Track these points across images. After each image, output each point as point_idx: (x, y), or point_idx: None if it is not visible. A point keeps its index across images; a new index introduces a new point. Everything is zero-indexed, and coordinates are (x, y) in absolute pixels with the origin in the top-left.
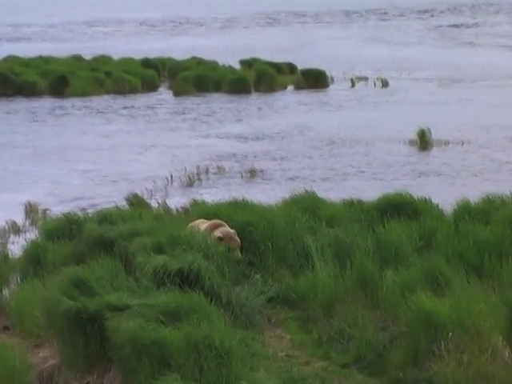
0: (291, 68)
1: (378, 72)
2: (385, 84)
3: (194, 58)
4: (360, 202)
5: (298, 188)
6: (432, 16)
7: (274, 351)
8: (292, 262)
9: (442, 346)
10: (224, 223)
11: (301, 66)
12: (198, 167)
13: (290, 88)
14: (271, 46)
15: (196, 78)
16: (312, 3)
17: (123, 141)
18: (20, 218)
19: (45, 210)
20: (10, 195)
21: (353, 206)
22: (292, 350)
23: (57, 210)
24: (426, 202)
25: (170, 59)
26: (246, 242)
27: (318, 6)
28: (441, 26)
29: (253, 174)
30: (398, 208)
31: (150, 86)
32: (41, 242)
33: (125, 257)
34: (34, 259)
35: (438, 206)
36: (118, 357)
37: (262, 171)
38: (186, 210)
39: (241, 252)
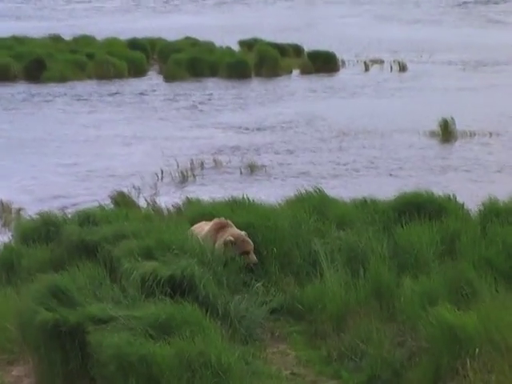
0: (297, 50)
1: (395, 54)
2: (402, 68)
3: (187, 39)
4: (374, 201)
5: (305, 185)
6: None
7: (278, 369)
8: (298, 268)
9: (468, 364)
10: (230, 222)
11: (308, 47)
12: (191, 161)
13: (296, 72)
14: (274, 25)
15: (190, 62)
16: None
17: (108, 132)
18: None
19: (19, 210)
20: None
21: (366, 205)
22: (298, 368)
23: (33, 209)
24: (449, 201)
25: (160, 40)
26: None
27: None
28: (465, 2)
29: (254, 169)
30: (418, 208)
31: (138, 71)
32: (15, 245)
33: (109, 263)
34: (7, 265)
35: (462, 205)
36: (102, 375)
37: (263, 166)
38: (178, 210)
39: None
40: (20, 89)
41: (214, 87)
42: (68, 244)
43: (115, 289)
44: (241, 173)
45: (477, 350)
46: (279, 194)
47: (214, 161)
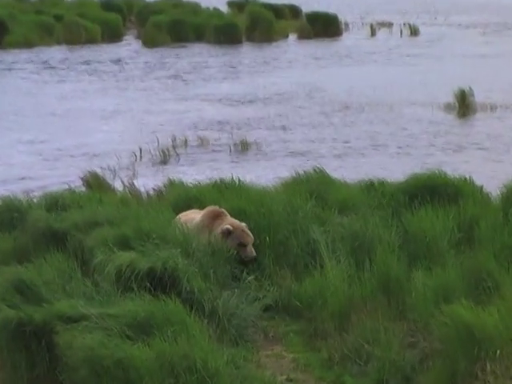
0: (294, 11)
1: (405, 16)
2: (414, 32)
3: None
4: (382, 183)
5: (303, 166)
6: None
7: (272, 374)
8: (295, 259)
9: (488, 367)
10: (225, 211)
11: (306, 8)
12: (174, 138)
13: (293, 37)
14: None
15: (171, 24)
16: None
17: (80, 104)
18: None
19: None
20: None
21: (373, 188)
22: (295, 373)
23: None
24: (466, 183)
25: (137, 0)
26: None
27: None
28: None
29: (245, 147)
30: (431, 191)
31: (113, 35)
32: None
33: (80, 253)
34: None
35: (481, 187)
36: (72, 381)
37: (256, 144)
38: (159, 194)
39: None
40: None
41: (200, 54)
42: (34, 232)
43: (87, 283)
44: (230, 151)
45: (498, 351)
46: (274, 176)
47: (200, 138)
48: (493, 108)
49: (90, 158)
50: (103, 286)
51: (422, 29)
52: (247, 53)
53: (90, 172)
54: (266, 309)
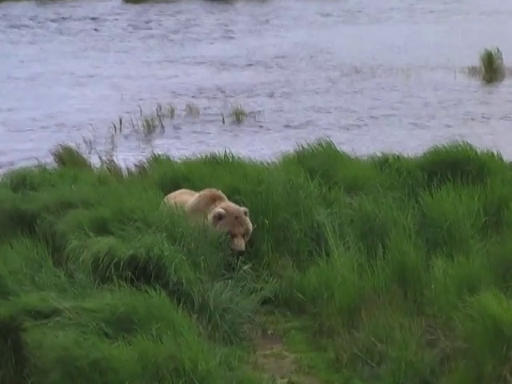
0: None
1: None
2: None
3: None
4: (397, 158)
5: (306, 138)
6: None
7: (271, 377)
8: (297, 246)
9: None
10: (223, 195)
11: None
12: (159, 107)
13: None
14: None
15: None
16: None
17: (52, 68)
18: None
19: None
20: None
21: (386, 164)
22: (297, 376)
23: None
24: (493, 159)
25: None
26: None
27: None
28: None
29: (240, 117)
30: (453, 167)
31: None
32: None
33: (52, 239)
34: None
35: (510, 164)
36: None
37: (253, 114)
38: (141, 170)
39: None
40: None
41: (190, 10)
42: None
43: (60, 273)
44: (223, 122)
45: None
46: (273, 150)
47: (189, 106)
48: None
49: (63, 129)
50: (78, 276)
51: None
52: (244, 9)
53: (62, 146)
54: (265, 302)
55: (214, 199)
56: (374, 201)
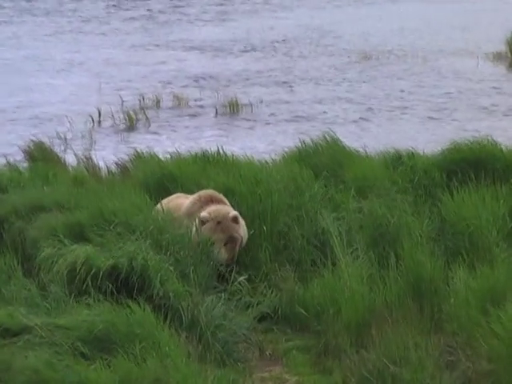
0: None
1: None
2: None
3: None
4: (412, 155)
5: (310, 133)
6: None
7: None
8: (299, 255)
9: None
10: (223, 198)
11: None
12: (143, 98)
13: None
14: None
15: None
16: None
17: (23, 53)
18: None
19: None
20: None
21: (400, 162)
22: None
23: None
24: None
25: None
26: None
27: None
28: None
29: (235, 109)
30: (475, 166)
31: None
32: None
33: (22, 247)
34: None
35: None
36: None
37: (249, 105)
38: (123, 169)
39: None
40: None
41: None
42: None
43: (30, 285)
44: (216, 115)
45: None
46: (272, 147)
47: (177, 97)
48: None
49: (35, 122)
50: (51, 288)
51: None
52: None
53: (34, 141)
54: (262, 318)
55: (209, 201)
56: (385, 204)
